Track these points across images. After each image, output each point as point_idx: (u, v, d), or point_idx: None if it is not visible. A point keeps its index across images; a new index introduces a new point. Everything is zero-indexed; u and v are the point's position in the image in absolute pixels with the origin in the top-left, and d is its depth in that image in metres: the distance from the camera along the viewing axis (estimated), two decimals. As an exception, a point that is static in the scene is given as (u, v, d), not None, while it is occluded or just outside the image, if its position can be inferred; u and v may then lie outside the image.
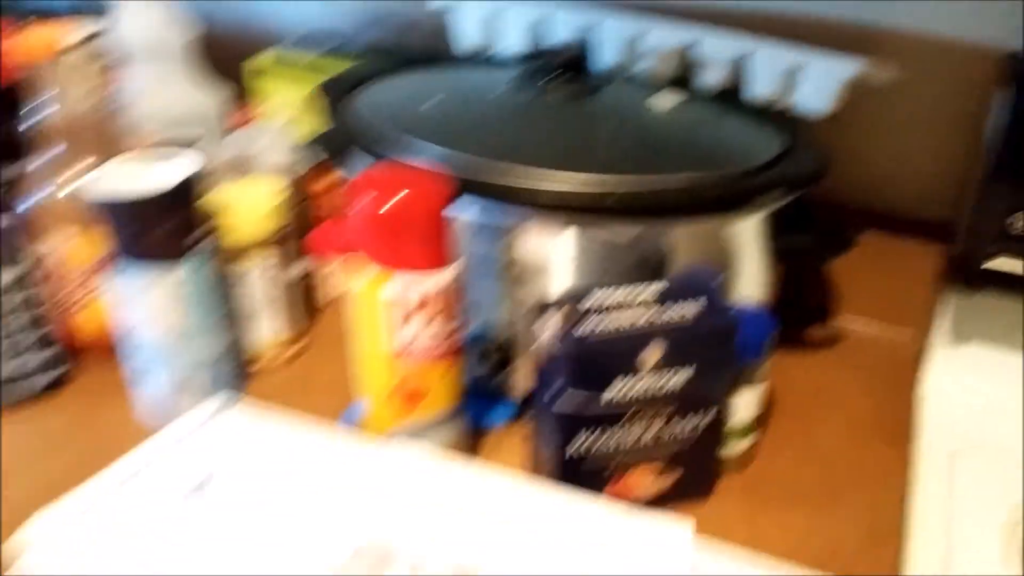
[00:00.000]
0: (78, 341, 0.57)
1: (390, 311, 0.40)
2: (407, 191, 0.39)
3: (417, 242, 0.40)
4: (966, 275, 0.53)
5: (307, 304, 0.64)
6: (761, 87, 0.60)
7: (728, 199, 0.48)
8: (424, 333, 0.41)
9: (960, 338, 0.58)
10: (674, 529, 0.32)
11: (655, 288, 0.43)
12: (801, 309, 0.63)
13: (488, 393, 0.52)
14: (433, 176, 0.41)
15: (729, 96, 0.62)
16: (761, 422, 0.53)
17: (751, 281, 0.52)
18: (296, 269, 0.60)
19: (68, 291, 0.56)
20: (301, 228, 0.63)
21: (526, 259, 0.48)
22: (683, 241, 0.48)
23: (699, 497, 0.47)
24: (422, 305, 0.41)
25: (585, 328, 0.40)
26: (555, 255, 0.48)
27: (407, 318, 0.41)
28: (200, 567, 0.32)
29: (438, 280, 0.41)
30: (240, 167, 0.62)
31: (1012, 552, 0.45)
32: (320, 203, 0.67)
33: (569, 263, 0.48)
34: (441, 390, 0.44)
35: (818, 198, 0.54)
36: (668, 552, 0.31)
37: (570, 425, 0.41)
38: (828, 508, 0.47)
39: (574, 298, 0.42)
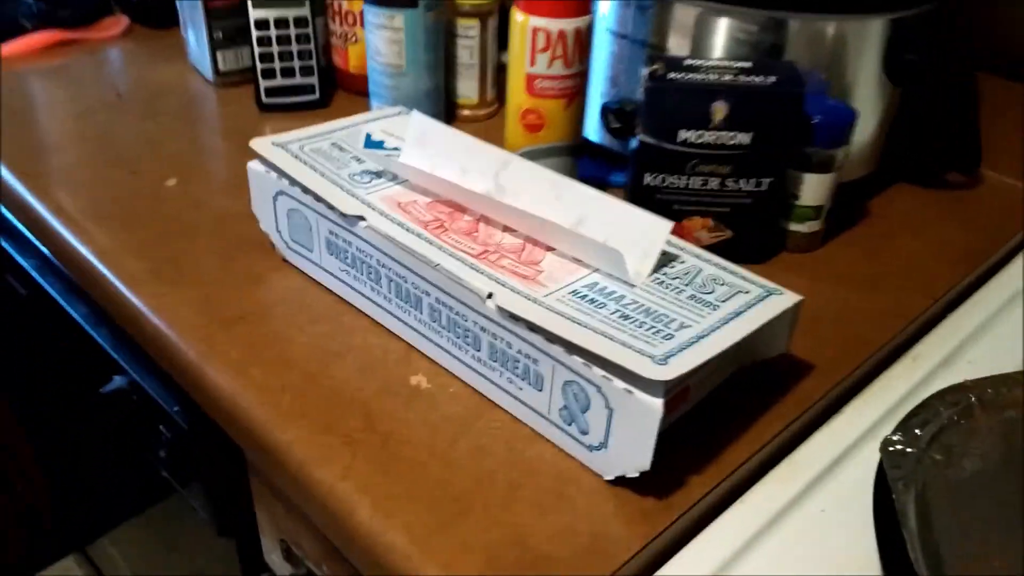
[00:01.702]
0: (343, 72, 0.77)
1: (529, 41, 0.53)
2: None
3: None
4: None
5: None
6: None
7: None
8: (551, 69, 0.54)
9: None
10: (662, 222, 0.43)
11: (741, 63, 0.51)
12: (944, 152, 0.66)
13: (613, 156, 0.64)
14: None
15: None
16: (843, 223, 0.60)
17: (864, 91, 0.58)
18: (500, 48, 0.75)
19: (340, 30, 0.75)
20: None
21: (663, 37, 0.58)
22: (798, 35, 0.55)
23: (752, 262, 0.56)
24: (552, 43, 0.53)
25: (664, 78, 0.50)
26: (683, 36, 0.57)
27: (541, 50, 0.53)
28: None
29: (569, 25, 0.53)
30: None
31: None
32: None
33: (692, 44, 0.57)
34: (558, 125, 0.57)
35: (967, 40, 0.57)
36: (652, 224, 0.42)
37: (645, 158, 0.52)
38: (863, 292, 0.54)
39: (667, 59, 0.52)
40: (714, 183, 0.53)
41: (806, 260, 0.58)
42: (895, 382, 0.49)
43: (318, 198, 0.48)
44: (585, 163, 0.64)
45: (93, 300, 0.60)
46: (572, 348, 0.38)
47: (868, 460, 0.44)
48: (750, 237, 0.55)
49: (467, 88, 0.74)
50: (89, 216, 0.59)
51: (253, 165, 0.53)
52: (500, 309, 0.40)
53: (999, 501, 0.41)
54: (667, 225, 0.43)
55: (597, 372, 0.37)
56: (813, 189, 0.55)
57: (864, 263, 0.57)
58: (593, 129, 0.64)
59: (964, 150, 0.66)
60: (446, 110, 0.74)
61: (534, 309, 0.40)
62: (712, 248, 0.55)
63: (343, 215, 0.47)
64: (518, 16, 0.54)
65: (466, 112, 0.75)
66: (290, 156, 0.51)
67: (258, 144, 0.52)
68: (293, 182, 0.50)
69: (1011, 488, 0.41)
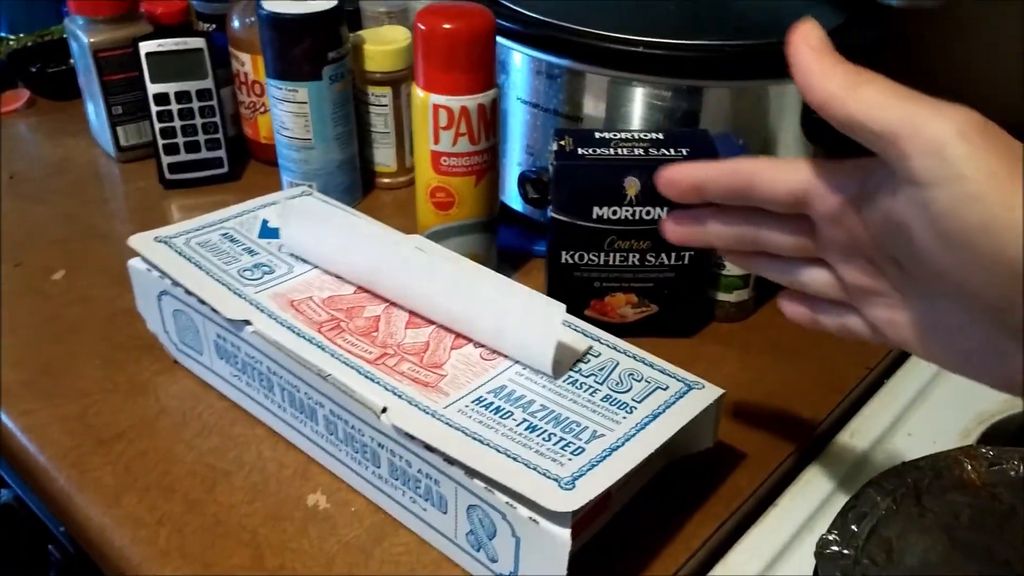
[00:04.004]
0: (254, 142, 0.73)
1: (431, 119, 0.50)
2: (452, 23, 0.48)
3: (458, 66, 0.49)
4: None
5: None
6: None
7: (754, 64, 0.51)
8: (457, 147, 0.51)
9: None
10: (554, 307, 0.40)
11: (653, 135, 0.49)
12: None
13: (536, 226, 0.61)
14: (478, 12, 0.49)
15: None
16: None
17: (784, 152, 0.56)
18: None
19: (248, 100, 0.71)
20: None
21: (576, 106, 0.55)
22: (713, 100, 0.53)
23: (681, 335, 0.53)
24: (455, 120, 0.50)
25: (574, 155, 0.47)
26: (597, 104, 0.54)
27: (444, 128, 0.50)
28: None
29: (471, 102, 0.49)
30: (393, 17, 0.74)
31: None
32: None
33: (606, 112, 0.54)
34: (469, 203, 0.53)
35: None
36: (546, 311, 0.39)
37: (560, 236, 0.49)
38: (796, 362, 0.51)
39: (576, 133, 0.49)
40: (634, 258, 0.50)
41: (737, 330, 0.55)
42: (831, 465, 0.46)
43: (202, 300, 0.44)
44: (506, 233, 0.61)
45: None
46: (472, 471, 0.34)
47: (806, 559, 0.40)
48: (677, 311, 0.52)
49: (384, 156, 0.71)
50: (-38, 320, 0.54)
51: (134, 263, 0.48)
52: (395, 427, 0.37)
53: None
54: (561, 317, 0.39)
55: (500, 498, 0.34)
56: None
57: (797, 329, 0.55)
58: (513, 198, 0.61)
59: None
60: (364, 180, 0.71)
61: (431, 425, 0.36)
62: (638, 324, 0.52)
63: (228, 319, 0.43)
64: (418, 92, 0.50)
65: (385, 180, 0.72)
66: (173, 252, 0.47)
67: (138, 241, 0.48)
68: (176, 283, 0.45)
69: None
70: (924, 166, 0.26)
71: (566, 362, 0.40)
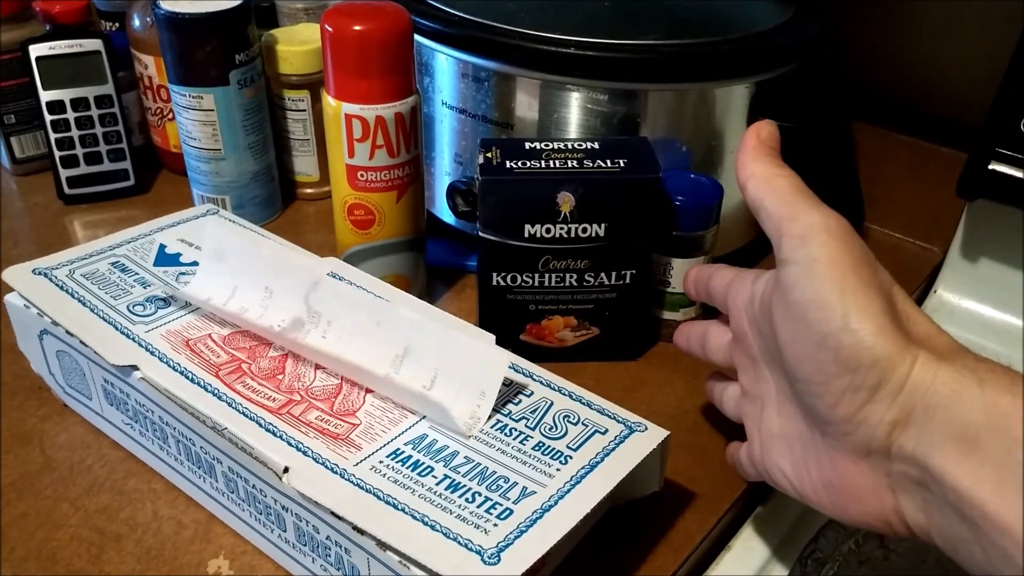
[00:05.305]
0: (163, 151, 0.68)
1: (344, 130, 0.45)
2: (363, 24, 0.43)
3: (371, 72, 0.44)
4: (970, 178, 0.50)
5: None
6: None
7: (697, 65, 0.48)
8: (374, 160, 0.46)
9: (971, 250, 0.55)
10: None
11: (588, 144, 0.45)
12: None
13: (469, 239, 0.57)
14: (392, 12, 0.44)
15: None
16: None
17: (732, 158, 0.52)
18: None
19: (155, 106, 0.66)
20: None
21: (506, 112, 0.51)
22: (653, 104, 0.49)
23: (625, 358, 0.50)
24: (371, 131, 0.45)
25: (501, 168, 0.43)
26: (529, 109, 0.50)
27: (359, 140, 0.45)
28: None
29: (387, 111, 0.45)
30: (311, 14, 0.69)
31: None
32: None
33: (539, 118, 0.50)
34: (392, 220, 0.49)
35: (853, 89, 0.52)
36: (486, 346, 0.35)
37: (490, 257, 0.45)
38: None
39: (504, 144, 0.45)
40: (571, 279, 0.46)
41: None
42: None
43: (84, 342, 0.39)
44: (436, 248, 0.57)
45: None
46: (384, 544, 0.30)
47: (763, 611, 0.37)
48: (619, 333, 0.49)
49: (305, 165, 0.66)
50: None
51: (11, 299, 0.43)
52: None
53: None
54: (506, 359, 0.36)
55: (417, 573, 0.29)
56: (684, 274, 0.49)
57: (746, 348, 0.52)
58: (443, 209, 0.57)
59: (845, 206, 0.62)
60: (284, 190, 0.65)
61: (339, 488, 0.32)
62: (578, 348, 0.49)
63: (112, 364, 0.38)
64: (329, 101, 0.46)
65: (308, 191, 0.67)
66: (54, 287, 0.42)
67: (14, 275, 0.42)
68: (55, 322, 0.40)
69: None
70: (790, 245, 0.31)
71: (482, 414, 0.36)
